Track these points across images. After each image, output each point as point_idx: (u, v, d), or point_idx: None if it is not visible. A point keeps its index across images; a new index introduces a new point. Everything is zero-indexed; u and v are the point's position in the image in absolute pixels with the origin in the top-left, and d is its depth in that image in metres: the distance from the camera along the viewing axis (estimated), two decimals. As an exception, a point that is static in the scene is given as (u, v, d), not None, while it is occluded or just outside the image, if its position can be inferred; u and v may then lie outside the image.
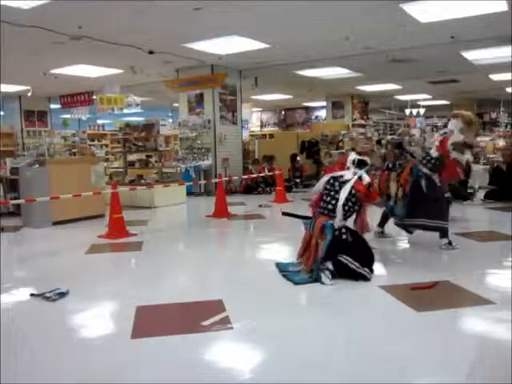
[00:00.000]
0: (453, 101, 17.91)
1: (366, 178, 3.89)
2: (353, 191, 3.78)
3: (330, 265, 3.64)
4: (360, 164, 4.00)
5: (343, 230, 3.75)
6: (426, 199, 4.67)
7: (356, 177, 3.88)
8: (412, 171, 4.84)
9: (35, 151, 7.87)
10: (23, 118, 14.80)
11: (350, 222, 3.90)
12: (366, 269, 3.69)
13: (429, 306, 3.09)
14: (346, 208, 3.76)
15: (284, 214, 4.39)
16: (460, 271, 3.97)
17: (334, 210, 3.78)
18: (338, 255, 3.66)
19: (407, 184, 4.80)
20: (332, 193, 3.87)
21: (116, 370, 2.34)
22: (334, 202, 3.81)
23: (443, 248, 4.69)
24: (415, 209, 4.72)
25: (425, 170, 4.75)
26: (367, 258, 3.80)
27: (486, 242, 5.12)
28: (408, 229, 5.03)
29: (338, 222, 3.74)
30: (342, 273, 3.65)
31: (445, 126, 5.30)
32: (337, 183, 3.90)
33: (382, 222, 5.25)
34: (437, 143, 4.86)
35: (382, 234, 5.25)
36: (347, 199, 3.77)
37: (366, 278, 3.64)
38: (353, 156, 4.10)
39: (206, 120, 10.37)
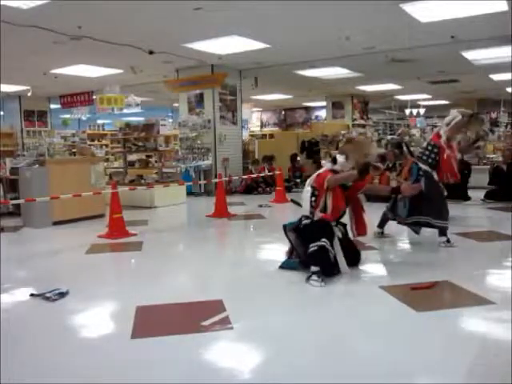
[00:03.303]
0: (453, 101, 17.89)
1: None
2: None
3: (313, 268, 3.64)
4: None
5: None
6: (424, 198, 4.68)
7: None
8: (412, 171, 4.89)
9: (35, 151, 7.84)
10: (23, 117, 14.77)
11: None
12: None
13: (429, 306, 3.09)
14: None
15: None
16: (460, 271, 3.97)
17: None
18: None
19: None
20: None
21: (116, 369, 2.34)
22: None
23: (441, 246, 4.71)
24: (415, 207, 4.74)
25: (424, 167, 4.75)
26: None
27: (485, 242, 5.12)
28: (413, 228, 5.01)
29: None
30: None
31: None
32: None
33: (382, 223, 5.26)
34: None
35: (381, 235, 5.26)
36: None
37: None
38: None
39: (206, 120, 10.36)
